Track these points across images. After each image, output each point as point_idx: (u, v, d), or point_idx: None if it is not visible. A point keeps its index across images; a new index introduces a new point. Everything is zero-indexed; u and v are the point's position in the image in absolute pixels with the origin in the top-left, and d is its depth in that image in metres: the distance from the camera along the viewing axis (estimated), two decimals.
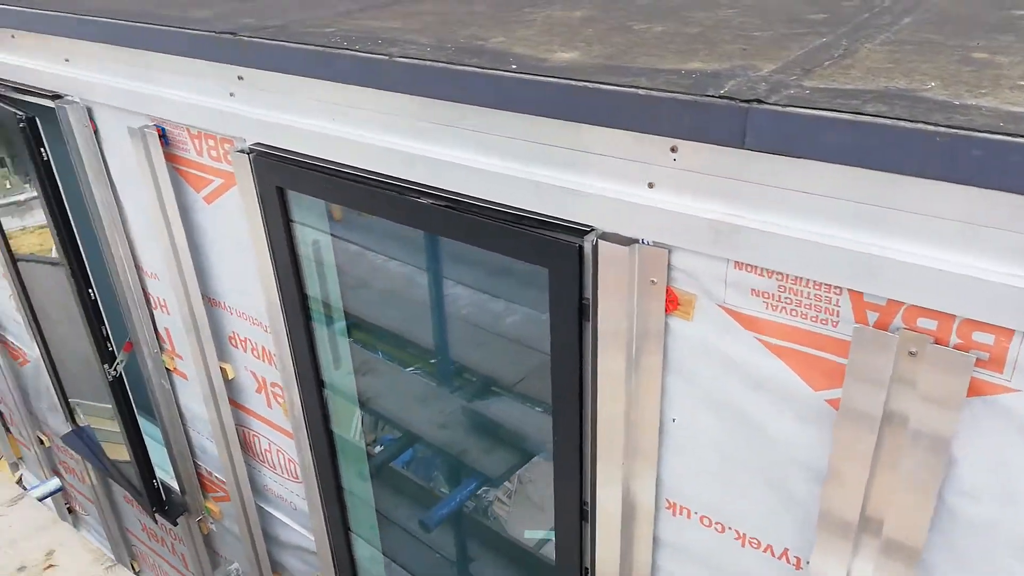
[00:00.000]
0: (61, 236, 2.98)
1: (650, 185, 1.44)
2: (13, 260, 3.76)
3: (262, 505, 3.21)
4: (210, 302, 2.77)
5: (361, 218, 2.27)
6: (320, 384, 2.50)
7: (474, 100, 1.52)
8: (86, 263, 3.09)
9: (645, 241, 1.50)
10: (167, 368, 3.25)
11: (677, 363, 1.58)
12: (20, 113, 2.77)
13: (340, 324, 2.48)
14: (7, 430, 5.47)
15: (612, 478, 1.76)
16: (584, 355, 1.69)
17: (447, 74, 1.53)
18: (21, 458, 5.65)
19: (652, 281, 1.52)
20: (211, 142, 2.36)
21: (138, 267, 3.02)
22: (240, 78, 2.10)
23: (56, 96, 2.78)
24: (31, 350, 4.32)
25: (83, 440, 4.25)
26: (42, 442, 4.95)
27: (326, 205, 2.33)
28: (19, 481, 5.77)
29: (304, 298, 2.35)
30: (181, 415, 3.38)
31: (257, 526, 3.24)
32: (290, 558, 3.28)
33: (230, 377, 2.92)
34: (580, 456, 1.81)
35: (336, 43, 1.78)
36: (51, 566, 2.62)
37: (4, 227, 3.75)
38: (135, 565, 4.85)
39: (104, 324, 3.21)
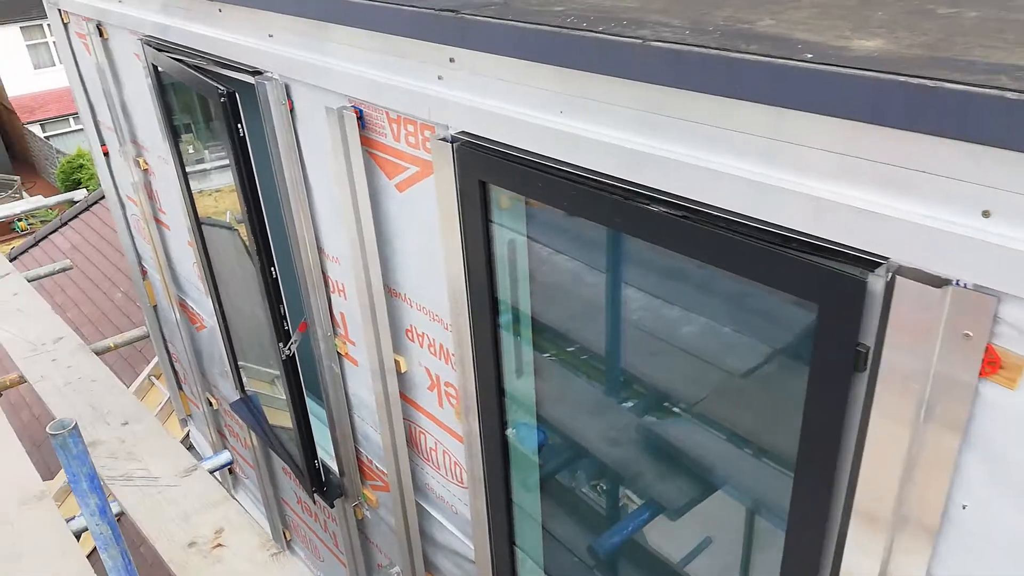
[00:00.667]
0: (250, 213, 2.97)
1: (985, 214, 1.12)
2: (199, 228, 3.86)
3: (421, 503, 3.11)
4: (391, 292, 2.66)
5: (565, 222, 2.06)
6: (500, 392, 2.32)
7: (752, 95, 1.25)
8: (271, 241, 3.08)
9: (963, 283, 1.18)
10: (338, 352, 3.20)
11: (983, 439, 1.25)
12: (221, 88, 2.76)
13: (528, 332, 2.29)
14: (180, 388, 5.76)
15: (869, 551, 1.45)
16: (850, 410, 1.39)
17: (720, 62, 1.27)
18: (190, 415, 5.94)
19: (966, 334, 1.20)
20: (410, 127, 2.22)
21: (320, 249, 2.97)
22: (452, 60, 1.93)
23: (256, 72, 2.74)
24: (209, 318, 4.46)
25: (249, 408, 4.35)
26: (211, 404, 5.15)
27: (525, 204, 2.13)
28: (186, 437, 6.09)
29: (494, 302, 2.17)
30: (348, 400, 3.33)
31: (415, 523, 3.14)
32: (445, 561, 3.17)
33: (402, 370, 2.81)
34: (825, 518, 1.51)
35: (572, 23, 1.56)
36: (219, 545, 2.62)
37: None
38: (286, 534, 4.97)
39: (283, 303, 3.20)
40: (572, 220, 2.05)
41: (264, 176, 2.97)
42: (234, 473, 5.49)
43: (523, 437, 2.46)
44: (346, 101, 2.42)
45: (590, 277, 2.20)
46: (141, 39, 3.52)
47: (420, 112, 2.11)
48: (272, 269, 3.10)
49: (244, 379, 4.29)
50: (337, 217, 2.75)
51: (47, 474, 6.04)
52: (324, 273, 3.02)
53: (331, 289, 3.05)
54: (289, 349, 3.27)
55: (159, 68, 3.45)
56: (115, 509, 2.73)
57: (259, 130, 2.87)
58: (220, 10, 2.84)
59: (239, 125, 2.82)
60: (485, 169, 1.95)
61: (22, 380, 3.80)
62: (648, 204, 1.58)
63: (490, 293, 2.14)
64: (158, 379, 6.55)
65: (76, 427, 2.09)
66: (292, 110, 2.71)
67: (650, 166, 1.55)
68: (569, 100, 1.64)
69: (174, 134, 3.63)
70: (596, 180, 1.66)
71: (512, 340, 2.29)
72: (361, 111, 2.38)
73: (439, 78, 2.00)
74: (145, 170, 4.38)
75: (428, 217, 2.30)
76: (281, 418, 4.04)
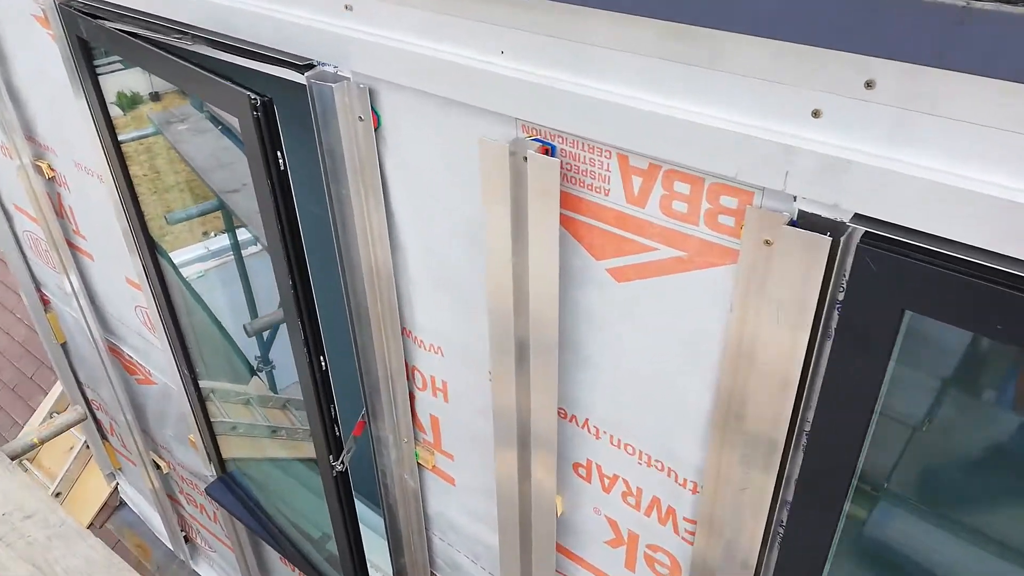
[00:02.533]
0: (291, 282, 1.89)
1: None
2: (158, 269, 2.68)
3: None
4: (562, 414, 1.71)
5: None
6: None
7: None
8: (318, 316, 2.01)
9: None
10: (419, 463, 2.22)
11: None
12: (252, 95, 1.64)
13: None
14: (104, 438, 4.51)
15: None
16: None
17: None
18: (120, 469, 4.72)
19: None
20: (682, 187, 1.25)
21: (406, 330, 1.96)
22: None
23: (308, 65, 1.65)
24: (162, 374, 3.30)
25: (232, 491, 3.28)
26: (158, 467, 3.99)
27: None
28: (115, 492, 4.87)
29: (849, 478, 1.28)
30: (425, 517, 2.37)
31: None
32: None
33: (559, 512, 1.89)
34: None
35: None
36: None
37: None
38: None
39: (333, 403, 2.16)
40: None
41: (306, 217, 1.90)
42: (192, 542, 4.37)
43: None
44: (518, 127, 1.40)
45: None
46: None
47: (748, 173, 1.14)
48: (321, 360, 2.05)
49: (225, 459, 3.20)
50: (452, 290, 1.76)
51: None
52: (408, 362, 2.02)
53: (418, 384, 2.05)
54: (342, 463, 2.25)
55: (90, 44, 2.22)
56: None
57: (301, 149, 1.80)
58: None
59: (279, 154, 1.72)
60: (920, 295, 1.04)
61: None
62: None
63: (847, 468, 1.25)
64: (61, 415, 5.20)
65: None
66: (378, 128, 1.65)
67: None
68: None
69: (115, 142, 2.41)
70: None
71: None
72: (553, 147, 1.38)
73: (814, 115, 1.05)
74: (51, 178, 3.08)
75: (683, 325, 1.37)
76: (293, 509, 3.03)
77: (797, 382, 1.23)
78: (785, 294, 1.18)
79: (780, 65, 1.04)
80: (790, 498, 1.39)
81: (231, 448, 3.25)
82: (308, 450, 4.33)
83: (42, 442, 3.36)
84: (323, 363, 2.06)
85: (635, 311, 1.44)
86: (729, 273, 1.27)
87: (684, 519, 1.63)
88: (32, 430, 3.38)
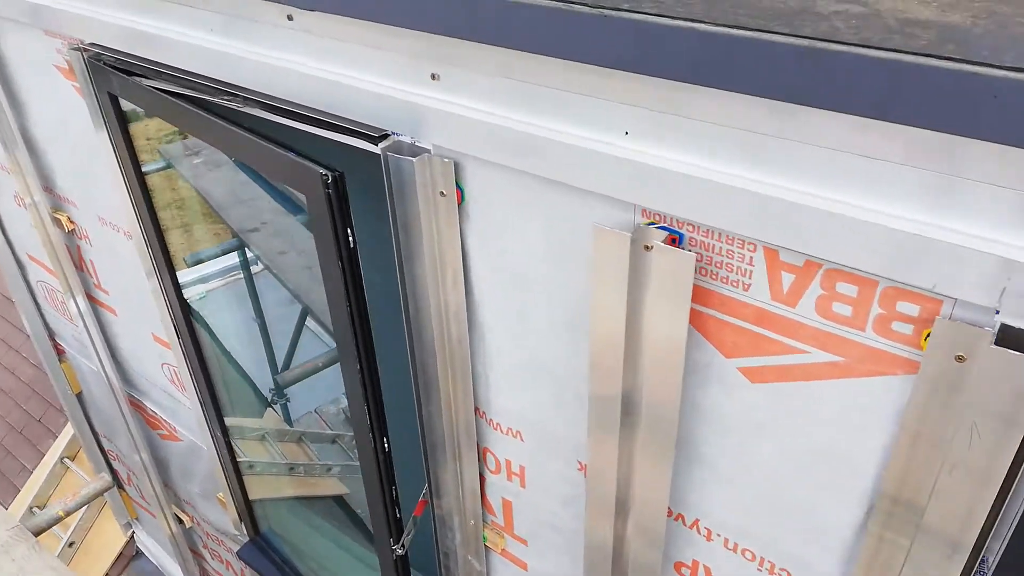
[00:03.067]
0: (359, 360, 1.72)
1: None
2: (193, 335, 2.51)
3: None
4: (672, 514, 1.55)
5: None
6: None
7: None
8: (381, 391, 1.84)
9: None
10: (487, 546, 2.06)
11: None
12: (325, 171, 1.48)
13: None
14: (121, 487, 4.32)
15: None
16: None
17: None
18: (137, 518, 4.53)
19: None
20: (846, 289, 1.09)
21: (479, 410, 1.79)
22: None
23: (383, 136, 1.49)
24: (190, 432, 3.13)
25: (267, 554, 3.10)
26: (181, 520, 3.80)
27: None
28: (130, 541, 4.68)
29: None
30: None
31: None
32: None
33: None
34: None
35: None
36: None
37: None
38: None
39: (395, 485, 1.99)
40: None
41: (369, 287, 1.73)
42: None
43: None
44: (637, 212, 1.24)
45: None
46: (75, 47, 2.09)
47: (950, 282, 0.98)
48: (385, 441, 1.88)
49: (258, 519, 3.03)
50: (540, 376, 1.60)
51: None
52: (480, 444, 1.85)
53: (491, 466, 1.88)
54: (402, 546, 2.08)
55: (118, 98, 2.05)
56: None
57: (365, 216, 1.64)
58: (291, 17, 1.53)
59: (349, 231, 1.55)
60: None
61: None
62: None
63: None
64: (72, 461, 5.01)
65: None
66: (461, 203, 1.49)
67: None
68: None
69: (147, 198, 2.24)
70: None
71: None
72: (681, 236, 1.22)
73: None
74: (71, 231, 2.90)
75: (831, 435, 1.21)
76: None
77: (989, 509, 1.07)
78: (980, 415, 1.02)
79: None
80: None
81: (256, 489, 3.06)
82: (333, 486, 4.16)
83: (67, 514, 3.17)
84: (386, 445, 1.89)
85: (771, 414, 1.28)
86: (899, 384, 1.11)
87: None
88: (58, 502, 3.18)
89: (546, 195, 1.35)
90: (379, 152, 1.49)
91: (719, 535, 1.51)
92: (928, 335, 1.03)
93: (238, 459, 2.90)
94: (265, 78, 1.65)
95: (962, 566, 1.13)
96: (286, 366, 3.74)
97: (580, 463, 1.66)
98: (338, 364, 1.82)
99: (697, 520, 1.53)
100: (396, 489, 1.99)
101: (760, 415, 1.30)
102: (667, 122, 1.14)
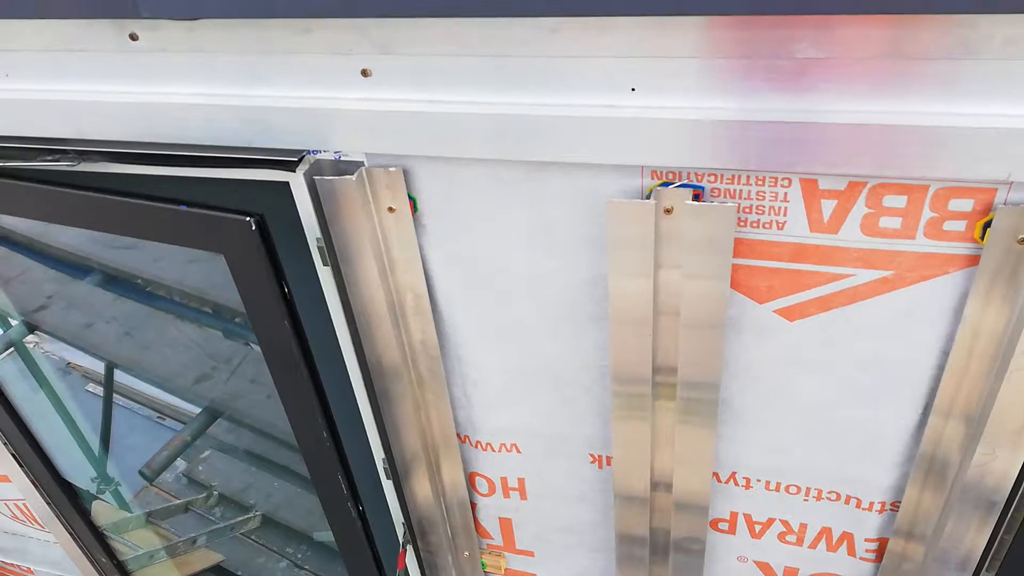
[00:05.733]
0: (324, 428, 1.46)
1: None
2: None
3: None
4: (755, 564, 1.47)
5: None
6: None
7: None
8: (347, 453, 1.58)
9: None
10: (486, 572, 1.89)
11: None
12: (244, 216, 1.18)
13: None
14: None
15: None
16: None
17: None
18: None
19: None
20: (894, 200, 1.05)
21: (462, 436, 1.60)
22: None
23: (299, 158, 1.23)
24: (52, 568, 2.58)
25: None
26: None
27: None
28: None
29: None
30: None
31: None
32: None
33: None
34: None
35: None
36: None
37: None
38: None
39: (375, 543, 1.74)
40: None
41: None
42: None
43: None
44: (645, 176, 1.12)
45: None
46: None
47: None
48: (360, 507, 1.63)
49: None
50: (538, 379, 1.45)
51: None
52: (468, 470, 1.66)
53: (481, 489, 1.70)
54: None
55: None
56: None
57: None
58: (135, 37, 1.20)
59: (283, 284, 1.27)
60: None
61: None
62: None
63: None
64: None
65: None
66: (415, 214, 1.28)
67: None
68: None
69: None
70: None
71: None
72: (703, 188, 1.12)
73: None
74: None
75: (880, 350, 1.19)
76: None
77: None
78: None
79: None
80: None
81: None
82: (206, 557, 3.69)
83: None
84: (360, 508, 1.65)
85: (813, 347, 1.24)
86: (952, 281, 1.10)
87: (866, 540, 1.48)
88: None
89: (524, 182, 1.19)
90: (300, 179, 1.23)
91: (759, 480, 1.47)
92: (987, 224, 1.03)
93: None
94: (111, 120, 1.30)
95: None
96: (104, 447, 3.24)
97: (593, 455, 1.54)
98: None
99: (734, 473, 1.48)
100: (376, 546, 1.75)
101: (800, 352, 1.25)
102: (679, 68, 1.02)
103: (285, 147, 1.24)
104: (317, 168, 1.25)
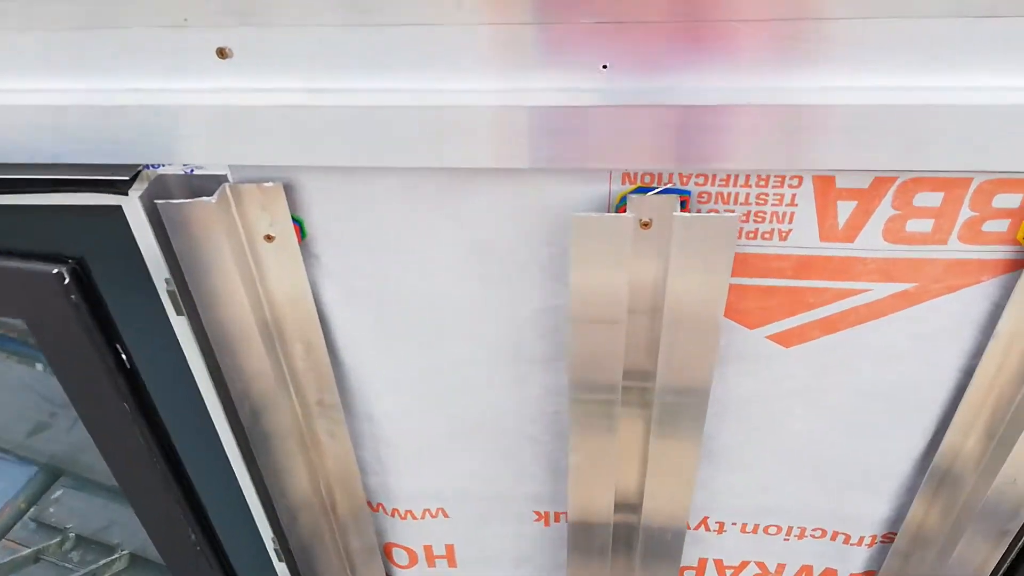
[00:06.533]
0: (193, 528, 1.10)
1: None
2: None
3: None
4: None
5: None
6: None
7: None
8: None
9: None
10: None
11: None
12: (54, 267, 0.81)
13: None
14: None
15: None
16: None
17: None
18: None
19: None
20: (927, 198, 0.84)
21: (374, 504, 1.29)
22: None
23: (133, 176, 0.87)
24: None
25: None
26: None
27: None
28: None
29: None
30: None
31: None
32: None
33: None
34: None
35: None
36: None
37: None
38: None
39: None
40: None
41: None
42: None
43: None
44: (614, 181, 0.85)
45: None
46: None
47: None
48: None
49: None
50: (471, 431, 1.16)
51: None
52: (383, 541, 1.35)
53: (400, 560, 1.40)
54: None
55: None
56: None
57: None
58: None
59: (119, 346, 0.91)
60: None
61: None
62: None
63: None
64: None
65: None
66: (302, 241, 0.95)
67: None
68: None
69: None
70: None
71: None
72: (689, 193, 0.86)
73: None
74: None
75: (888, 374, 1.00)
76: None
77: None
78: None
79: None
80: None
81: None
82: None
83: None
84: None
85: (810, 376, 1.02)
86: (984, 292, 0.91)
87: (850, 575, 1.31)
88: None
89: (449, 195, 0.89)
90: (135, 203, 0.87)
91: (733, 524, 1.26)
92: None
93: None
94: None
95: None
96: None
97: (539, 513, 1.28)
98: None
99: (705, 518, 1.26)
100: None
101: (795, 383, 1.03)
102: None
103: (114, 162, 0.88)
104: (160, 187, 0.89)
